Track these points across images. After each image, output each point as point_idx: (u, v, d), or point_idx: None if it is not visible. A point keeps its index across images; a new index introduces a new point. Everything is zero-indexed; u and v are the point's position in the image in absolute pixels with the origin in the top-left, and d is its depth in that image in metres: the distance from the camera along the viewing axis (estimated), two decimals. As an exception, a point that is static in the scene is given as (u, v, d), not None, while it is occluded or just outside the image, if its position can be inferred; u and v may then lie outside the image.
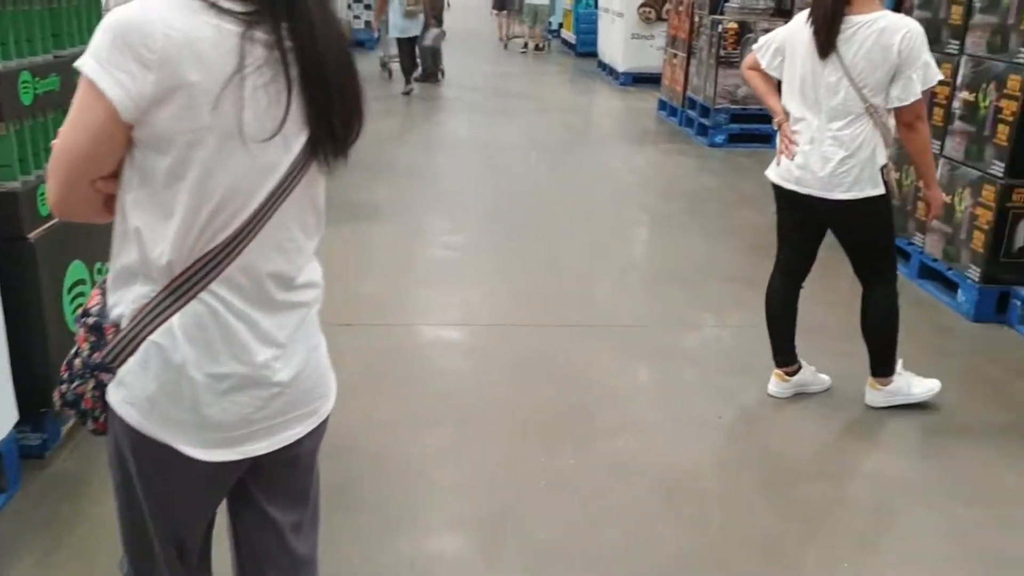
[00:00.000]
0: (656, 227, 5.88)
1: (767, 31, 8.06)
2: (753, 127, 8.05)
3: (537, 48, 16.11)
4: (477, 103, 10.47)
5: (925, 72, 2.75)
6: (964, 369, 3.65)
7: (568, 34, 16.53)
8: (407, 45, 10.63)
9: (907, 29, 2.71)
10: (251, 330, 1.27)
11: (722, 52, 7.82)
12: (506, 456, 2.91)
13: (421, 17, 10.51)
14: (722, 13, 8.03)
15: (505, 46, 16.78)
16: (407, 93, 10.59)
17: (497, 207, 6.08)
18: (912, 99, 2.76)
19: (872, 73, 2.75)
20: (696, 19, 8.59)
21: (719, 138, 8.06)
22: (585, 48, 15.02)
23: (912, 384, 3.19)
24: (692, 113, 8.66)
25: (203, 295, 1.22)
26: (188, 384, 1.24)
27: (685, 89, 8.92)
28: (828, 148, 2.86)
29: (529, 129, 8.91)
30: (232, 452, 1.30)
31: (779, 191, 3.08)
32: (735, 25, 7.76)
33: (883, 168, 2.88)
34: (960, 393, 3.43)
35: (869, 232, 2.99)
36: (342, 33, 1.26)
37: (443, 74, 11.92)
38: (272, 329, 1.29)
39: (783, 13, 7.92)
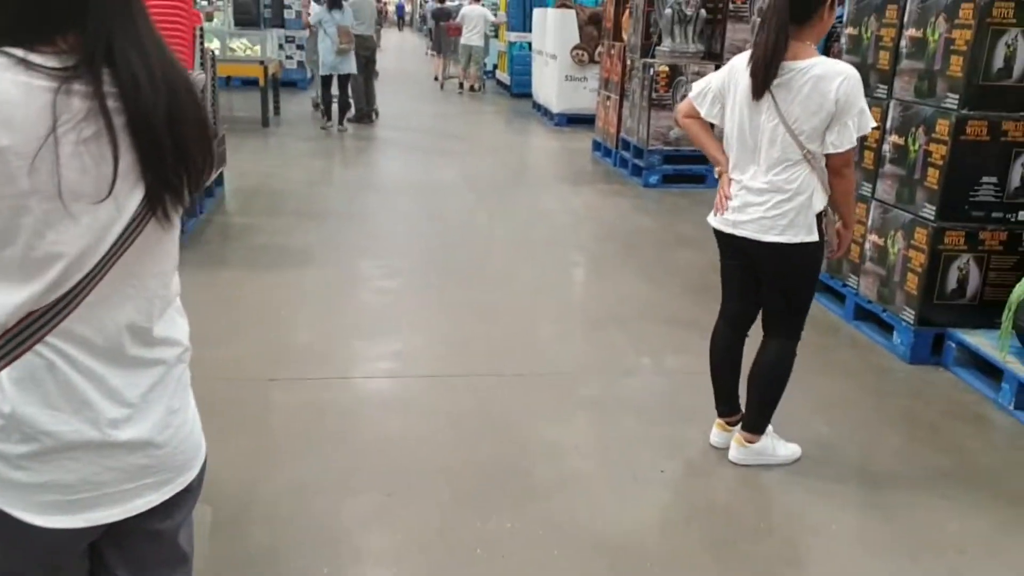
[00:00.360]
0: (594, 269, 5.81)
1: (698, 74, 8.22)
2: (686, 168, 8.11)
3: (472, 89, 16.22)
4: (413, 144, 10.38)
5: (860, 119, 2.73)
6: (903, 413, 3.62)
7: (503, 75, 16.64)
8: (342, 82, 10.60)
9: (844, 76, 2.68)
10: (96, 387, 1.17)
11: (654, 95, 7.88)
12: (439, 521, 2.75)
13: (352, 55, 10.49)
14: (653, 56, 8.11)
15: (441, 86, 16.86)
16: (341, 131, 10.61)
17: (433, 250, 5.95)
18: (847, 146, 2.74)
19: (808, 120, 2.72)
20: (628, 62, 8.66)
21: (653, 179, 8.09)
22: (520, 89, 15.13)
23: (777, 446, 3.13)
24: (626, 154, 8.70)
25: (40, 348, 1.12)
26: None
27: (619, 130, 8.97)
28: (766, 193, 2.81)
29: (466, 170, 8.84)
30: (74, 519, 1.19)
31: (719, 236, 3.02)
32: (666, 68, 7.84)
33: (822, 215, 2.84)
34: (900, 438, 3.39)
35: (796, 279, 2.92)
36: (178, 76, 1.15)
37: (377, 114, 11.82)
38: (122, 387, 1.20)
39: (713, 56, 8.04)
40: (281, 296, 4.81)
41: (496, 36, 17.97)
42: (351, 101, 10.95)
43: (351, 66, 10.49)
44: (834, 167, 2.80)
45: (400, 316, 4.62)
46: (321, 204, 7.07)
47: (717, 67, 7.89)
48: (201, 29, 6.62)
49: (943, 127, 3.84)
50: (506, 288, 5.11)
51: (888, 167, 4.25)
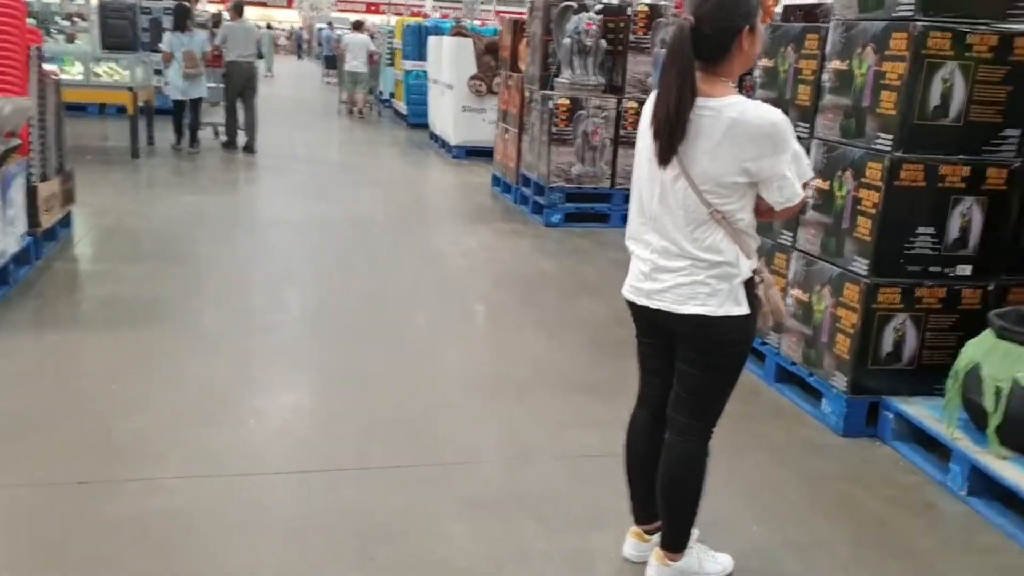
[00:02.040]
0: (491, 322, 5.20)
1: (599, 108, 7.80)
2: (588, 207, 7.66)
3: (360, 113, 16.24)
4: (299, 177, 9.60)
5: (799, 165, 2.22)
6: (843, 501, 3.12)
7: (400, 104, 16.02)
8: (193, 105, 10.48)
9: (767, 122, 2.14)
10: None
11: (554, 129, 7.39)
12: None
13: (203, 79, 10.44)
14: (552, 88, 7.64)
15: (339, 111, 16.72)
16: (191, 153, 10.44)
17: (308, 302, 5.24)
18: (797, 199, 2.21)
19: (717, 173, 2.17)
20: (527, 94, 8.17)
21: (555, 217, 7.59)
22: (417, 119, 14.58)
23: (704, 561, 2.57)
24: (527, 190, 8.19)
25: None
26: None
27: (519, 165, 8.47)
28: (679, 258, 2.27)
29: (354, 206, 8.14)
30: None
31: (633, 308, 2.45)
32: (567, 101, 7.36)
33: (752, 283, 2.30)
34: (844, 537, 2.88)
35: (717, 360, 2.34)
36: None
37: (250, 144, 11.01)
38: None
39: (614, 90, 7.62)
40: (117, 364, 4.02)
41: (392, 64, 17.41)
42: (218, 130, 10.96)
43: (201, 90, 10.46)
44: (779, 216, 2.30)
45: (256, 391, 3.90)
46: (186, 246, 6.26)
47: (619, 101, 7.48)
48: (39, 49, 5.77)
49: (875, 171, 3.41)
50: (388, 349, 4.45)
51: (812, 214, 3.81)
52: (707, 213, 2.20)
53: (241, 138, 10.96)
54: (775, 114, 2.15)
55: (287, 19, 43.83)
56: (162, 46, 10.49)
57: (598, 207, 7.67)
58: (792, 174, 2.18)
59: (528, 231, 7.45)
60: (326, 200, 8.37)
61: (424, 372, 4.17)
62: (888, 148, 3.37)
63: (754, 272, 2.29)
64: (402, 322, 4.91)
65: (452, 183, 9.97)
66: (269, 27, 34.20)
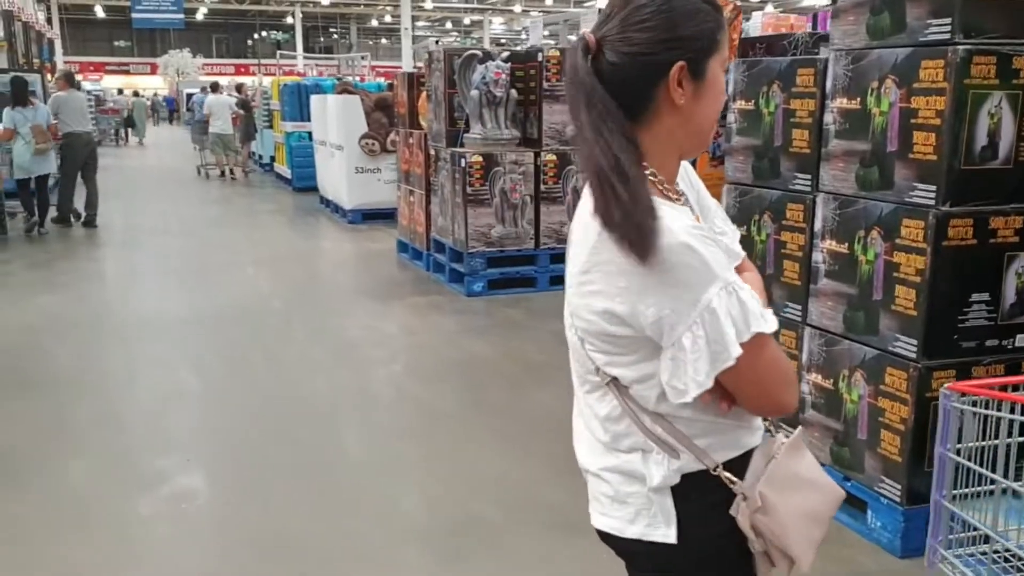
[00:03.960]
0: (431, 436, 4.25)
1: (516, 163, 7.09)
2: (513, 271, 6.90)
3: (232, 175, 15.96)
4: (174, 260, 8.47)
5: (714, 338, 1.17)
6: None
7: (283, 168, 14.99)
8: (40, 183, 9.78)
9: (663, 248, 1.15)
10: None
11: (469, 189, 6.63)
12: None
13: (51, 155, 9.80)
14: (462, 145, 6.89)
15: (200, 173, 16.39)
16: (42, 234, 9.70)
17: (199, 438, 4.23)
18: (690, 395, 1.19)
19: (580, 312, 1.27)
20: (432, 152, 7.40)
21: (477, 286, 6.79)
22: (303, 183, 13.65)
23: None
24: (441, 257, 7.37)
25: None
26: None
27: (428, 230, 7.65)
28: (583, 440, 1.40)
29: (244, 291, 7.11)
30: None
31: None
32: (480, 158, 6.62)
33: (720, 496, 1.29)
34: None
35: None
36: None
37: (92, 219, 10.19)
38: None
39: (530, 143, 6.94)
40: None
41: (271, 126, 16.41)
42: (54, 204, 10.31)
43: (50, 166, 9.84)
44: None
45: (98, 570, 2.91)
46: (41, 367, 5.13)
47: (536, 155, 6.78)
48: None
49: (915, 230, 2.76)
50: (308, 498, 3.52)
51: (825, 282, 3.14)
52: (595, 372, 1.31)
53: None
54: (671, 238, 1.13)
55: (151, 85, 41.93)
56: (3, 124, 9.37)
57: (523, 270, 6.92)
58: (698, 347, 1.17)
59: (449, 304, 6.62)
60: (210, 286, 7.31)
61: (360, 526, 3.26)
62: (930, 201, 2.72)
63: (728, 481, 1.29)
64: (321, 453, 3.96)
65: (352, 253, 9.04)
66: (136, 94, 32.61)
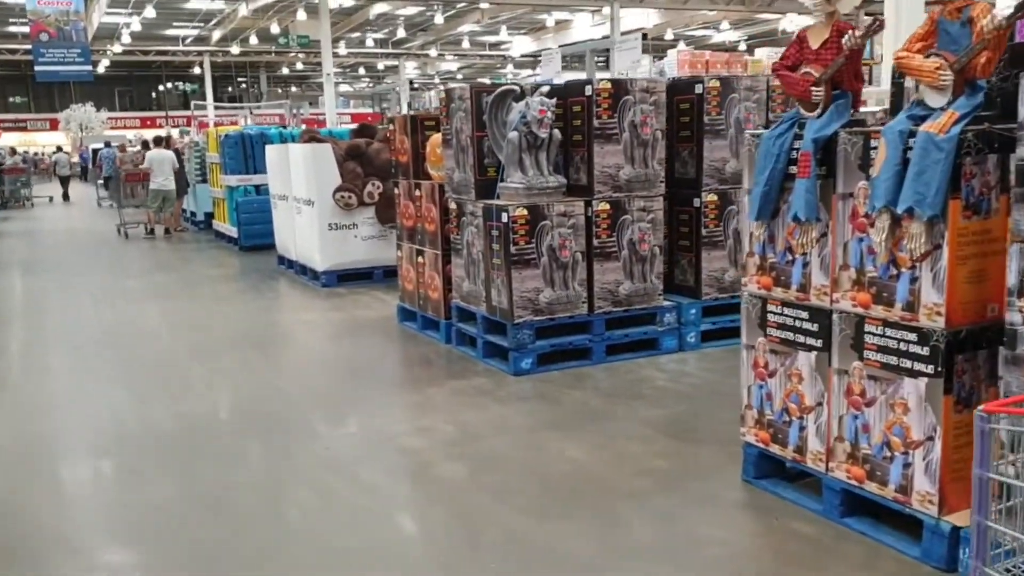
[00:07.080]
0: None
1: (564, 215, 6.09)
2: (564, 341, 5.86)
3: (167, 231, 15.10)
4: (118, 351, 7.08)
5: None
6: None
7: (224, 225, 13.60)
8: None
9: None
10: None
11: (513, 248, 5.58)
12: None
13: None
14: (497, 197, 5.85)
15: (120, 233, 15.17)
16: None
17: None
18: None
19: None
20: (452, 205, 6.33)
21: (526, 362, 5.72)
22: (252, 241, 12.39)
23: None
24: (469, 328, 6.27)
25: None
26: None
27: (447, 296, 6.56)
28: None
29: (224, 393, 5.84)
30: None
31: None
32: (525, 212, 5.59)
33: None
34: None
35: None
36: None
37: None
38: None
39: (575, 190, 5.94)
40: None
41: (205, 180, 15.03)
42: None
43: None
44: None
45: None
46: None
47: (587, 204, 5.79)
48: None
49: None
50: None
51: None
52: None
53: None
54: None
55: (52, 142, 39.36)
56: None
57: (576, 340, 5.89)
58: None
59: (498, 387, 5.51)
60: (178, 389, 6.00)
61: None
62: None
63: None
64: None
65: (344, 324, 7.78)
66: (59, 149, 30.96)
